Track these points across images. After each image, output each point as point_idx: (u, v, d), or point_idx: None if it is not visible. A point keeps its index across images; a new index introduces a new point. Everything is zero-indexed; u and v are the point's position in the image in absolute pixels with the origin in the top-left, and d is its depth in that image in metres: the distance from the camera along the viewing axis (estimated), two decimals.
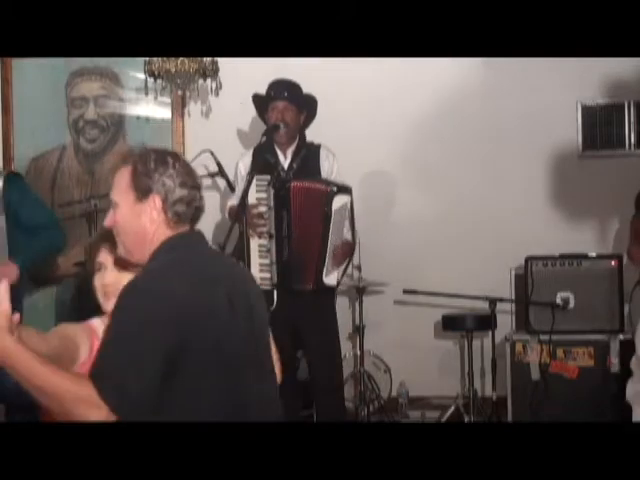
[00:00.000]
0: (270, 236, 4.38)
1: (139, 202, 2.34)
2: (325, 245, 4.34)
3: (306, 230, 4.38)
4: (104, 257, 2.57)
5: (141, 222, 2.35)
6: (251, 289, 2.48)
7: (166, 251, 2.34)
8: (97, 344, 2.37)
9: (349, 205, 4.42)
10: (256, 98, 4.74)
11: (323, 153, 4.64)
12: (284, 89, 4.60)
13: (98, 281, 2.58)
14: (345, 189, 4.41)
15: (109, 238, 2.47)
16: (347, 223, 4.43)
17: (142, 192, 2.33)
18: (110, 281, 2.55)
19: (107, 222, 2.40)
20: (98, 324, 2.60)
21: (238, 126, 5.65)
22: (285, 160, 4.62)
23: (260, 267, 4.40)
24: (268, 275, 4.41)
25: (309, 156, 4.62)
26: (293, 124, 4.57)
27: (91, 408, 2.14)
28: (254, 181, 4.35)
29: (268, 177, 4.41)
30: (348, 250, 4.49)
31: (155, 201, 2.33)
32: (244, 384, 2.32)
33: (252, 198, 4.37)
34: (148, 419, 2.18)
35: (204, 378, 2.24)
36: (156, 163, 2.34)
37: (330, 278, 4.40)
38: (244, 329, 2.35)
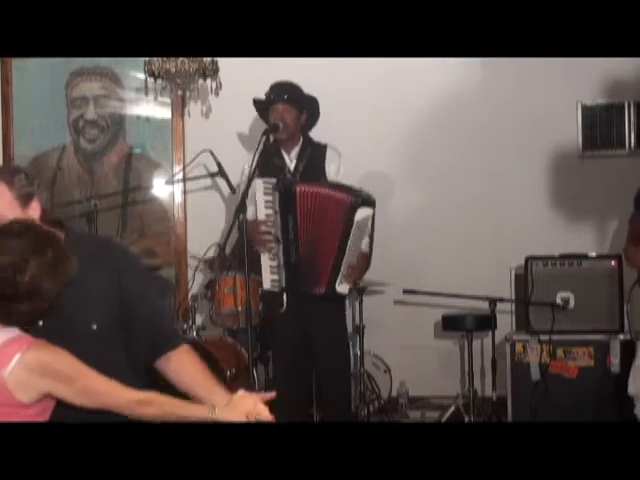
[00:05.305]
0: (277, 240, 4.39)
1: None
2: (342, 254, 4.35)
3: (315, 234, 4.37)
4: None
5: None
6: None
7: None
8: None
9: (371, 218, 4.40)
10: (256, 102, 4.74)
11: (329, 154, 4.62)
12: (283, 91, 4.60)
13: None
14: (369, 201, 4.38)
15: None
16: (366, 236, 4.43)
17: None
18: None
19: None
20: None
21: (238, 126, 5.65)
22: (290, 162, 4.61)
23: (270, 269, 4.44)
24: (277, 277, 4.43)
25: (315, 157, 4.60)
26: (293, 125, 4.57)
27: None
28: (262, 186, 4.36)
29: (274, 180, 4.40)
30: (364, 265, 4.51)
31: None
32: None
33: (260, 202, 4.38)
34: None
35: None
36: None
37: (343, 287, 4.42)
38: None
